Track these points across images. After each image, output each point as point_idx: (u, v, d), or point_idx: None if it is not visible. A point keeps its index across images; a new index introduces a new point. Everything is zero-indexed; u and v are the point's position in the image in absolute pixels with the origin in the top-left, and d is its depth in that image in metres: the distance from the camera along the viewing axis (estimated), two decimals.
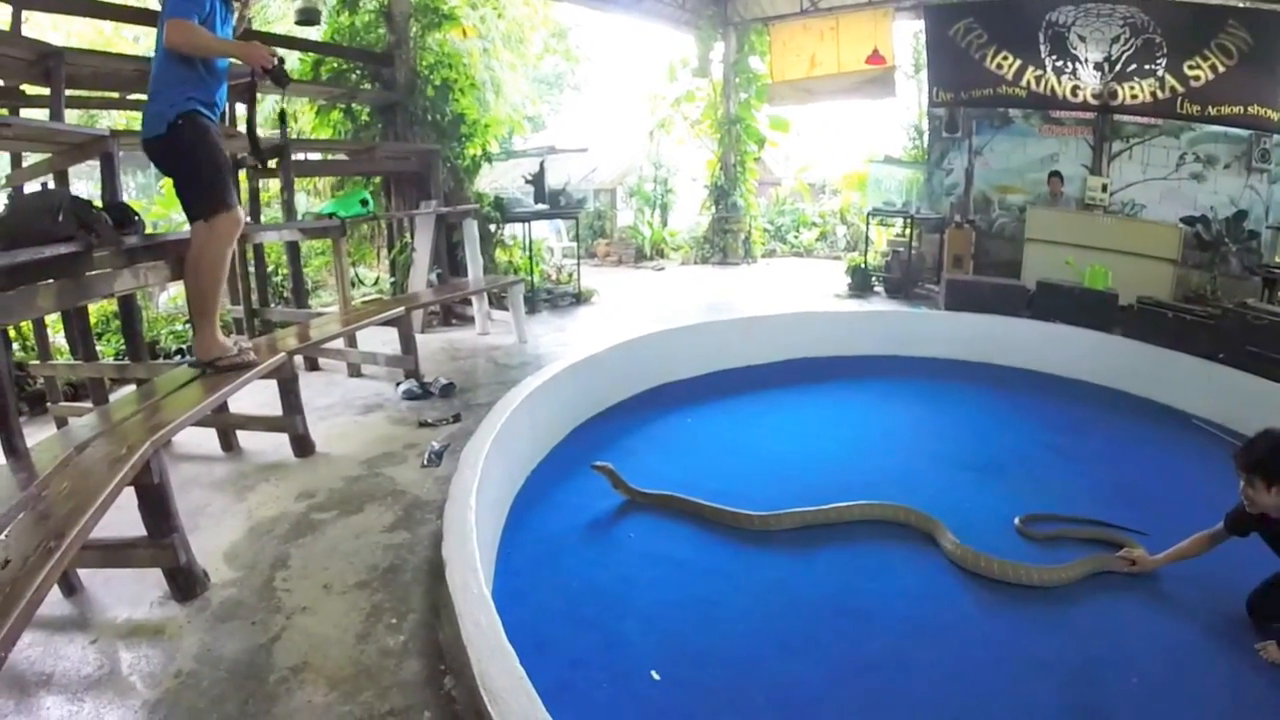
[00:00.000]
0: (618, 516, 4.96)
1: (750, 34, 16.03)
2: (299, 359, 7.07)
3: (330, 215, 7.16)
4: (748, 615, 3.99)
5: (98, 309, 7.79)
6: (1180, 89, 11.78)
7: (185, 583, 3.53)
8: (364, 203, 7.43)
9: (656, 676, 3.40)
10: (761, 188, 21.43)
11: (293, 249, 7.91)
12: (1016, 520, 5.09)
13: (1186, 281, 11.49)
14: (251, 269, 7.88)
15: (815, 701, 3.38)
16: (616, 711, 3.21)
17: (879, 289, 12.80)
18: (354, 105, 10.28)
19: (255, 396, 5.51)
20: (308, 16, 9.36)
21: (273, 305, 8.26)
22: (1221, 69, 11.53)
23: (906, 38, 15.64)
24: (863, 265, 12.95)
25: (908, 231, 13.04)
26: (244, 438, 5.41)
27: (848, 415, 7.52)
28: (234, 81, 5.15)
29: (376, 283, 11.24)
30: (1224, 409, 7.93)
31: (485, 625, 2.95)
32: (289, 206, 7.63)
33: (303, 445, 5.27)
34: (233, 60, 4.63)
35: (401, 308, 6.82)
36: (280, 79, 4.64)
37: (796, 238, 19.06)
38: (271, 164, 7.39)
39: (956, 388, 8.71)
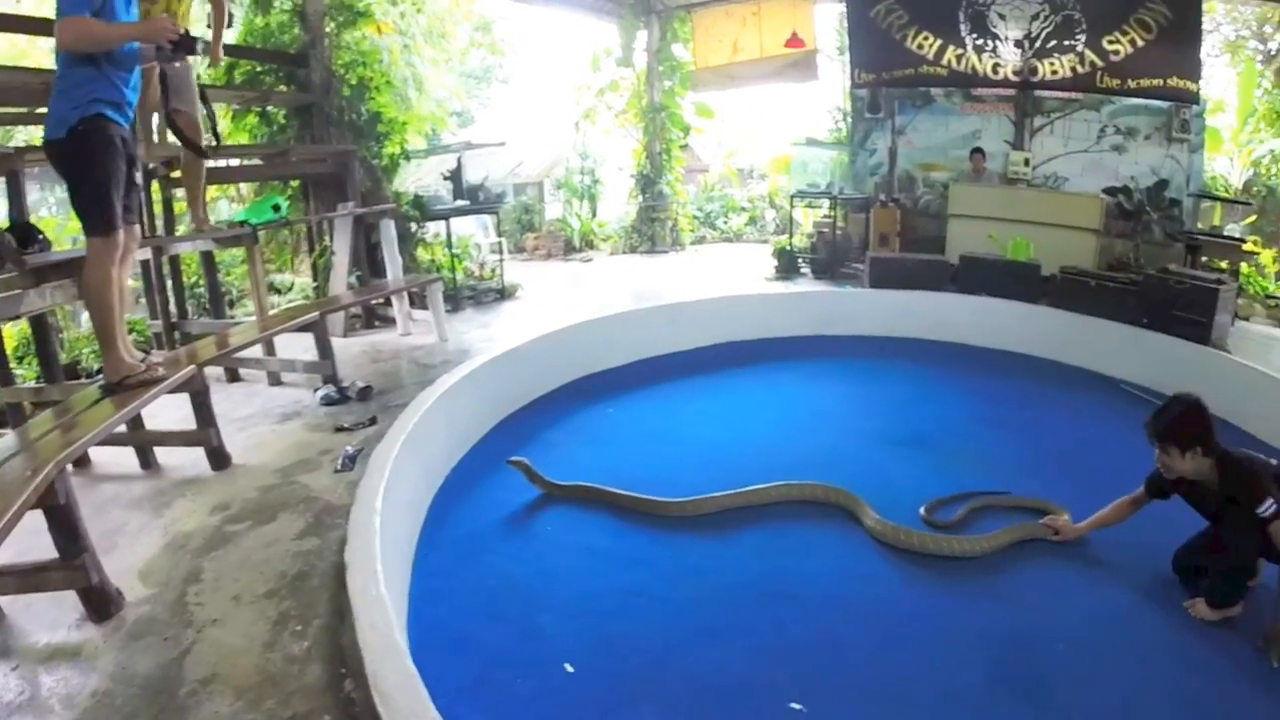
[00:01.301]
0: (537, 510, 5.03)
1: (673, 21, 16.04)
2: (220, 370, 7.08)
3: (242, 223, 7.10)
4: (667, 602, 4.07)
5: (19, 331, 7.70)
6: (1100, 64, 11.98)
7: (99, 603, 3.53)
8: (276, 208, 7.38)
9: (570, 669, 3.47)
10: (690, 175, 21.46)
11: (208, 259, 7.86)
12: (921, 510, 5.15)
13: (1110, 250, 11.72)
14: (170, 281, 7.80)
15: (737, 686, 3.46)
16: (531, 706, 3.27)
17: (806, 270, 12.90)
18: (269, 108, 10.12)
19: (175, 411, 5.49)
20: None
21: (195, 317, 8.21)
22: (1141, 43, 11.74)
23: (829, 21, 15.74)
24: (788, 248, 13.03)
25: (833, 213, 13.17)
26: (162, 454, 5.37)
27: (774, 397, 7.63)
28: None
29: (297, 288, 11.17)
30: (1150, 373, 8.18)
31: (380, 626, 3.00)
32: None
33: (218, 457, 5.24)
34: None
35: (316, 312, 6.78)
36: (189, 48, 4.48)
37: (726, 223, 19.12)
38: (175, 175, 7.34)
39: (883, 364, 8.86)
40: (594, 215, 16.93)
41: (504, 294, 10.61)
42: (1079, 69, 12.10)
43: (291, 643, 3.30)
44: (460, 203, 10.53)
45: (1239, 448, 4.31)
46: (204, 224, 6.70)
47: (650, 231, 15.81)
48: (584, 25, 17.23)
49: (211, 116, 5.47)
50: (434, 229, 11.24)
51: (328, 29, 10.00)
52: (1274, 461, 4.25)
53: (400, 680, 2.73)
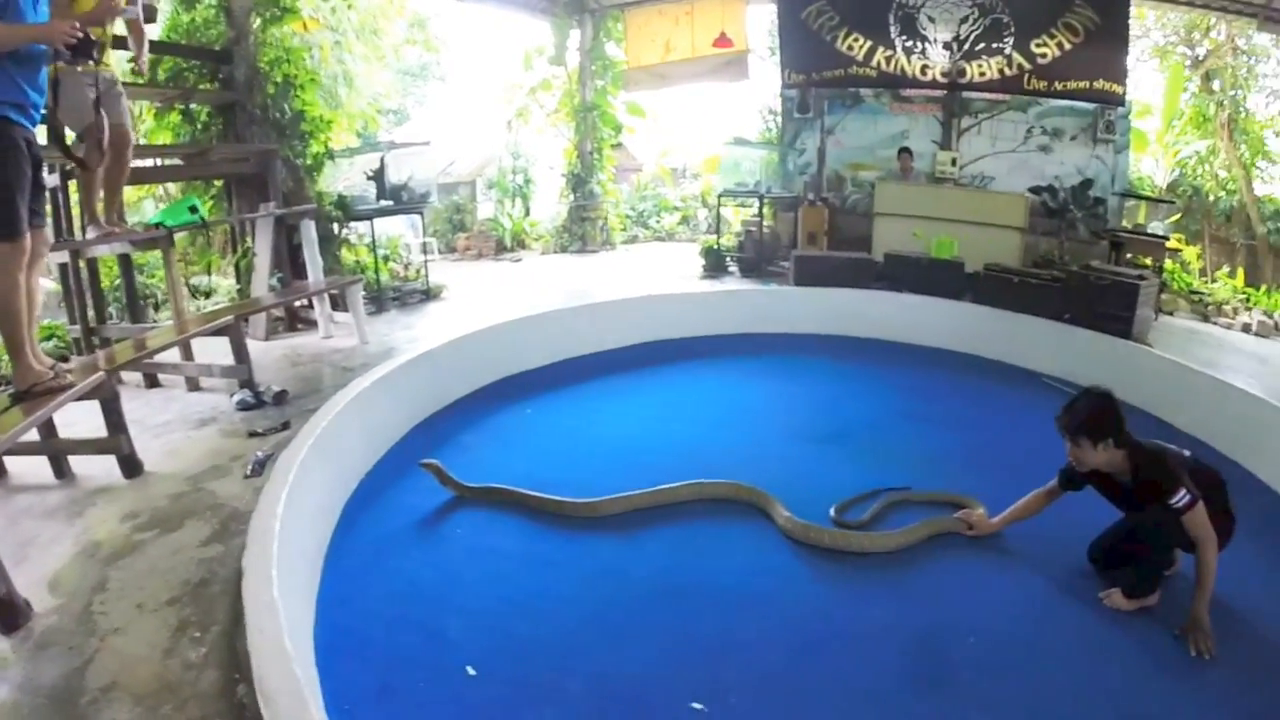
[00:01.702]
0: (448, 513, 5.08)
1: (606, 20, 16.13)
2: (138, 376, 7.05)
3: (158, 225, 7.04)
4: (572, 603, 4.13)
5: None
6: (1028, 66, 12.31)
7: (8, 615, 3.53)
8: (193, 209, 7.32)
9: (473, 672, 3.53)
10: (624, 174, 21.56)
11: (125, 262, 7.79)
12: (831, 511, 5.22)
13: (1035, 248, 12.04)
14: (89, 285, 7.72)
15: (638, 686, 3.53)
16: (432, 710, 3.33)
17: (733, 269, 13.07)
18: (193, 106, 9.98)
19: (95, 419, 5.47)
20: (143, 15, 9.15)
21: (117, 322, 8.15)
22: (1068, 46, 12.06)
23: (761, 21, 15.89)
24: (716, 246, 13.20)
25: (760, 212, 13.30)
26: (78, 463, 5.32)
27: (694, 395, 7.75)
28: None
29: (223, 290, 11.05)
30: (1072, 367, 8.45)
31: (268, 631, 3.06)
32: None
33: (130, 465, 5.20)
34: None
35: (230, 316, 6.76)
36: (86, 52, 4.40)
37: (659, 222, 19.28)
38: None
39: (806, 361, 9.01)
40: (527, 214, 16.94)
41: (429, 295, 10.59)
42: (1007, 71, 12.41)
43: (189, 649, 3.35)
44: (384, 203, 10.51)
45: (1151, 439, 4.42)
46: (105, 224, 6.61)
47: (581, 231, 15.86)
48: (518, 23, 17.22)
49: (99, 128, 5.43)
50: (362, 230, 11.14)
51: (254, 25, 9.87)
52: (1186, 452, 4.41)
53: (284, 684, 2.78)
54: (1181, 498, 4.07)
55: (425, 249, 11.67)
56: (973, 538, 5.05)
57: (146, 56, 6.54)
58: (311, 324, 8.95)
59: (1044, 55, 12.19)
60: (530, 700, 3.39)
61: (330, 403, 5.55)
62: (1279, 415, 6.56)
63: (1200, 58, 17.07)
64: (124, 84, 6.75)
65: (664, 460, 5.88)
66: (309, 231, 8.84)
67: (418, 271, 11.12)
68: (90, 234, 6.47)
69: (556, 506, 5.09)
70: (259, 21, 9.94)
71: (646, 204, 20.21)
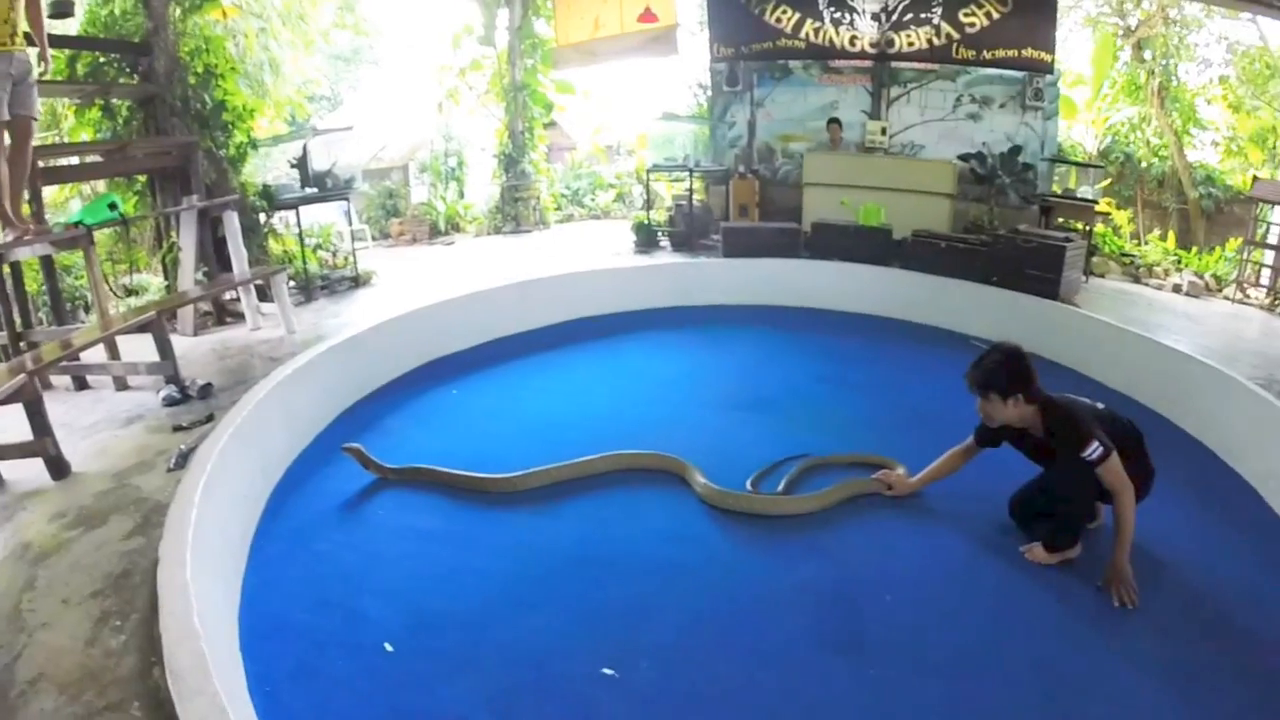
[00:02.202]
0: (370, 496, 5.22)
1: None
2: (68, 380, 7.07)
3: (77, 224, 7.08)
4: (488, 577, 4.30)
5: None
6: (956, 36, 12.52)
7: None
8: (113, 206, 7.35)
9: (390, 648, 3.69)
10: (558, 153, 21.66)
11: (48, 264, 7.79)
12: (747, 484, 5.35)
13: (965, 214, 12.33)
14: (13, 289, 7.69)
15: (550, 655, 3.69)
16: (350, 686, 3.48)
17: (665, 244, 13.22)
18: (113, 101, 9.88)
19: (23, 425, 5.49)
20: (60, 9, 8.95)
21: (46, 326, 8.14)
22: (996, 15, 12.30)
23: None
24: (646, 222, 13.36)
25: (690, 186, 13.44)
26: (6, 468, 5.36)
27: (619, 369, 7.94)
28: None
29: (155, 288, 10.99)
30: (1000, 328, 8.55)
31: (178, 613, 3.22)
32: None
33: (57, 467, 5.23)
34: None
35: (153, 312, 6.78)
36: None
37: (594, 200, 19.35)
38: None
39: (734, 331, 9.24)
40: (461, 197, 16.96)
41: (358, 282, 10.63)
42: (935, 41, 12.63)
43: (110, 638, 3.46)
44: (309, 191, 10.49)
45: (1063, 393, 4.60)
46: (19, 223, 6.65)
47: (514, 211, 15.92)
48: (447, 4, 17.23)
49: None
50: (292, 219, 11.09)
51: (173, 15, 9.78)
52: (1100, 405, 4.61)
53: (191, 662, 2.94)
54: (1094, 450, 4.22)
55: (354, 236, 11.65)
56: (892, 498, 5.22)
57: (48, 50, 6.58)
58: (240, 317, 8.96)
59: (972, 25, 12.40)
60: (444, 672, 3.55)
61: (251, 393, 5.64)
62: (1203, 369, 6.87)
63: (1132, 27, 17.41)
64: (42, 82, 6.81)
65: (586, 434, 6.06)
66: (232, 223, 8.82)
67: (346, 259, 11.16)
68: (7, 236, 6.51)
69: (477, 483, 5.24)
70: (178, 11, 9.85)
71: (581, 182, 20.24)
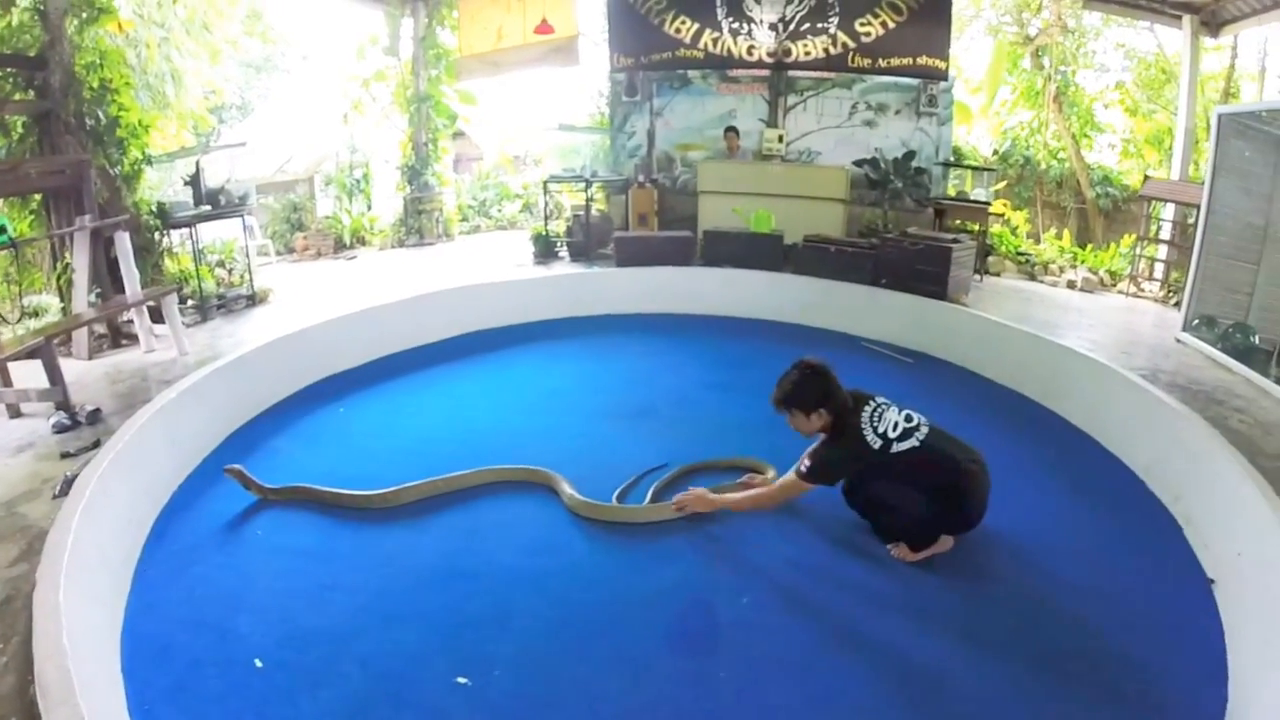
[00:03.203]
0: (250, 517, 5.31)
1: (440, 8, 16.27)
2: None
3: None
4: (357, 591, 4.46)
5: None
6: (852, 44, 13.03)
7: None
8: (0, 230, 7.43)
9: (259, 664, 3.83)
10: (466, 163, 21.76)
11: None
12: (613, 496, 5.53)
13: (860, 219, 12.84)
14: None
15: (408, 665, 3.85)
16: (222, 703, 3.61)
17: (564, 254, 13.43)
18: (7, 118, 9.69)
19: None
20: None
21: None
22: (892, 25, 12.85)
23: (593, 6, 16.14)
24: (544, 233, 13.53)
25: (588, 196, 13.67)
26: None
27: (506, 382, 8.08)
28: None
29: (56, 310, 10.81)
30: (889, 329, 9.21)
31: (51, 632, 3.36)
32: None
33: None
34: None
35: (41, 338, 6.82)
36: None
37: (500, 211, 19.54)
38: None
39: (624, 340, 9.46)
40: (369, 209, 16.96)
41: (254, 300, 10.61)
42: (831, 50, 13.09)
43: None
44: (203, 208, 10.45)
45: (876, 408, 4.80)
46: None
47: (418, 224, 16.02)
48: (353, 13, 17.21)
49: None
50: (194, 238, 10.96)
51: (69, 28, 9.65)
52: (914, 440, 4.70)
53: (58, 677, 3.10)
54: (805, 465, 4.65)
55: (248, 252, 11.54)
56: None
57: None
58: (135, 339, 8.92)
59: (868, 34, 12.90)
60: (309, 686, 3.70)
61: (134, 418, 5.68)
62: (1084, 362, 7.30)
63: (1032, 36, 18.01)
64: None
65: (467, 448, 6.22)
66: (123, 243, 8.80)
67: (242, 277, 11.18)
68: None
69: (353, 500, 5.38)
70: (74, 24, 9.74)
71: (488, 193, 20.41)
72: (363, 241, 15.86)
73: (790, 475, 4.80)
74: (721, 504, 5.14)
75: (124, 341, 9.08)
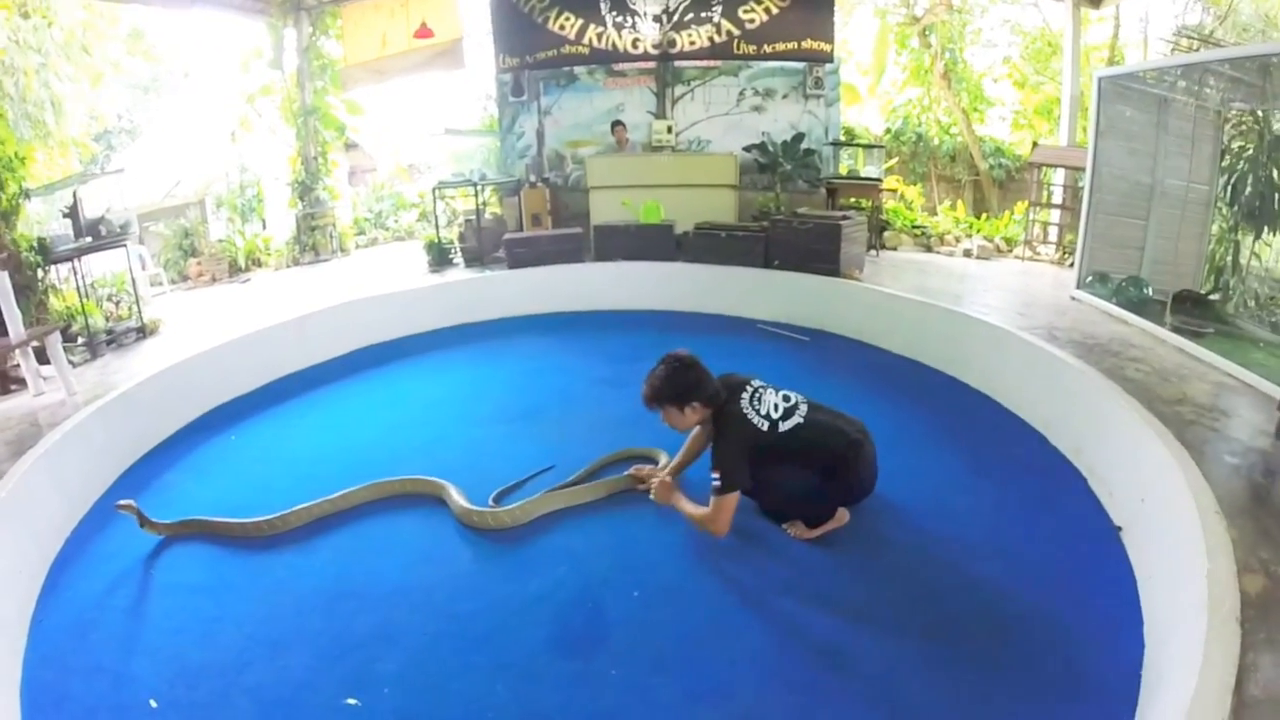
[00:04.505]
0: (143, 556, 5.27)
1: (324, 17, 16.12)
2: None
3: None
4: (245, 622, 4.48)
5: None
6: (736, 31, 13.26)
7: None
8: None
9: (154, 704, 3.85)
10: (360, 175, 21.61)
11: None
12: (489, 499, 5.60)
13: (753, 203, 13.11)
14: None
15: (296, 690, 3.90)
16: None
17: (458, 260, 13.40)
18: None
19: None
20: None
21: None
22: (775, 10, 13.14)
23: (477, 8, 16.12)
24: (438, 240, 13.50)
25: (478, 200, 13.65)
26: None
27: (392, 396, 8.13)
28: None
29: None
30: (785, 308, 9.49)
31: None
32: None
33: None
34: None
35: None
36: None
37: (397, 222, 19.43)
38: None
39: (514, 343, 9.59)
40: (264, 228, 16.76)
41: (144, 332, 10.35)
42: (716, 38, 13.31)
43: None
44: (84, 240, 10.24)
45: (756, 392, 4.93)
46: None
47: (312, 240, 15.83)
48: (235, 25, 16.97)
49: None
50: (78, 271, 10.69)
51: None
52: (794, 418, 4.85)
53: None
54: (716, 479, 4.70)
55: (134, 284, 11.36)
56: (648, 490, 5.44)
57: None
58: (24, 383, 8.57)
59: (752, 20, 13.15)
60: None
61: (17, 465, 5.58)
62: (978, 326, 7.62)
63: (918, 16, 18.37)
64: None
65: (356, 466, 6.22)
66: (3, 283, 8.44)
67: (130, 309, 10.96)
68: None
69: (243, 529, 5.37)
70: None
71: (384, 204, 20.32)
72: (258, 263, 15.64)
73: (711, 500, 4.81)
74: (677, 503, 5.18)
75: (13, 387, 8.77)
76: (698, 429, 5.33)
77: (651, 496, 5.36)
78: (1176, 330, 7.49)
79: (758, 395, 4.92)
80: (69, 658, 4.31)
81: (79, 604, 4.82)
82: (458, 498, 5.51)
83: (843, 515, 5.00)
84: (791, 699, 3.73)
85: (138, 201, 15.77)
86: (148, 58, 24.19)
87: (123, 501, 5.44)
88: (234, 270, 15.15)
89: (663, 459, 5.81)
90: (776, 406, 4.88)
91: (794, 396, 5.00)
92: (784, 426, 4.81)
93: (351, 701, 3.80)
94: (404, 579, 4.85)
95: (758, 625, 4.27)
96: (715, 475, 4.72)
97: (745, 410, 4.83)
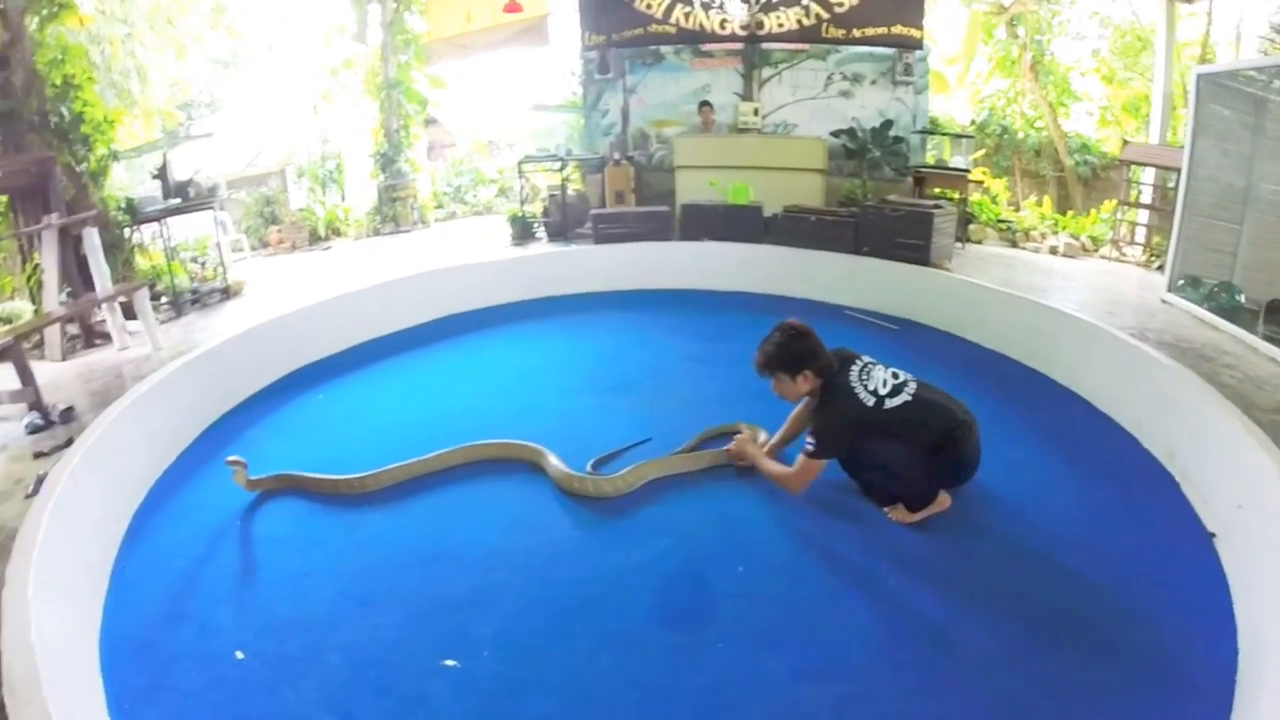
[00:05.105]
0: (231, 508, 5.23)
1: None
2: None
3: None
4: (336, 578, 4.40)
5: None
6: (825, 15, 13.01)
7: None
8: None
9: (240, 656, 3.77)
10: (439, 149, 21.59)
11: None
12: (587, 466, 5.49)
13: (839, 189, 12.82)
14: None
15: (389, 649, 3.80)
16: (201, 697, 3.55)
17: (541, 234, 13.28)
18: None
19: None
20: None
21: None
22: None
23: None
24: (520, 214, 13.40)
25: (563, 175, 13.47)
26: None
27: (484, 363, 8.05)
28: None
29: (21, 315, 10.68)
30: (872, 296, 9.21)
31: (19, 630, 3.29)
32: None
33: None
34: None
35: (10, 339, 6.71)
36: None
37: (475, 197, 19.34)
38: None
39: (603, 317, 9.45)
40: (343, 199, 16.81)
41: (228, 293, 10.49)
42: (804, 21, 13.05)
43: None
44: (171, 202, 10.34)
45: (864, 368, 4.80)
46: None
47: (393, 212, 15.82)
48: (317, 1, 17.05)
49: None
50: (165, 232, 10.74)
51: (30, 26, 9.55)
52: (904, 395, 4.71)
53: (26, 674, 3.03)
54: (810, 444, 4.64)
55: (232, 246, 11.43)
56: (744, 467, 5.38)
57: None
58: (108, 338, 8.83)
59: (840, 4, 12.89)
60: (290, 676, 3.64)
61: (105, 413, 5.62)
62: (1070, 321, 7.32)
63: (1006, 5, 17.98)
64: None
65: (444, 430, 6.14)
66: (92, 240, 8.69)
67: (215, 270, 11.06)
68: None
69: (332, 486, 5.33)
70: (35, 21, 9.63)
71: (463, 179, 20.22)
72: (338, 233, 15.72)
73: (799, 459, 4.78)
74: (758, 460, 5.20)
75: (97, 341, 8.97)
76: (802, 407, 5.26)
77: (730, 449, 5.41)
78: (1269, 339, 7.24)
79: (866, 370, 4.80)
80: (151, 605, 4.26)
81: (161, 552, 4.79)
82: (557, 463, 5.41)
83: (944, 500, 4.87)
84: (900, 682, 3.61)
85: (220, 171, 15.71)
86: (230, 33, 24.29)
87: (233, 457, 5.36)
88: (314, 239, 15.22)
89: (762, 436, 5.66)
90: (885, 383, 4.75)
91: (903, 375, 4.86)
92: (890, 404, 4.68)
93: (450, 663, 3.70)
94: (501, 543, 4.74)
95: (867, 605, 4.14)
96: (810, 440, 4.69)
97: (853, 384, 4.72)
